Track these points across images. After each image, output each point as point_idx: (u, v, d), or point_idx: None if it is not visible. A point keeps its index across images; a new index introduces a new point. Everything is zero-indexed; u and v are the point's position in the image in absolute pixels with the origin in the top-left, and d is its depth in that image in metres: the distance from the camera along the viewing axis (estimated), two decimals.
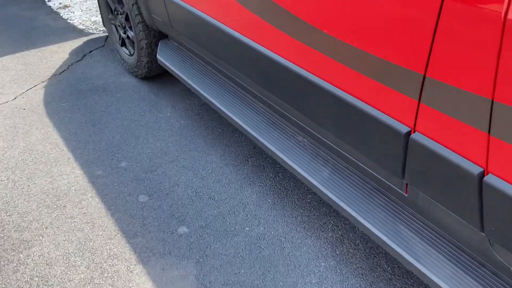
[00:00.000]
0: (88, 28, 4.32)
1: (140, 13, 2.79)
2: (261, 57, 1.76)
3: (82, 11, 4.77)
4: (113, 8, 3.16)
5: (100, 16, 4.37)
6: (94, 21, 4.49)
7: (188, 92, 3.12)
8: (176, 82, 3.24)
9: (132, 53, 3.17)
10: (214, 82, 2.39)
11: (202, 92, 2.35)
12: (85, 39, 4.05)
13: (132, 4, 2.79)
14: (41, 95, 3.12)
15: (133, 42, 3.17)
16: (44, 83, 3.28)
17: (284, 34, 1.60)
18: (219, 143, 2.60)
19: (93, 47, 3.85)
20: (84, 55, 3.71)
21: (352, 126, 1.48)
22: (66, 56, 3.71)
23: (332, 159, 1.80)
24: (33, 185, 2.30)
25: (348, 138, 1.54)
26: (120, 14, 3.10)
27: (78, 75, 3.39)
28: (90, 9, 4.82)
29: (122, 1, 3.01)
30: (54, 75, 3.41)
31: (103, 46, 3.88)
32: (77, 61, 3.61)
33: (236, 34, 1.86)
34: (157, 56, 2.68)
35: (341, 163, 1.77)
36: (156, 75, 3.26)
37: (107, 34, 4.12)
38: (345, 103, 1.44)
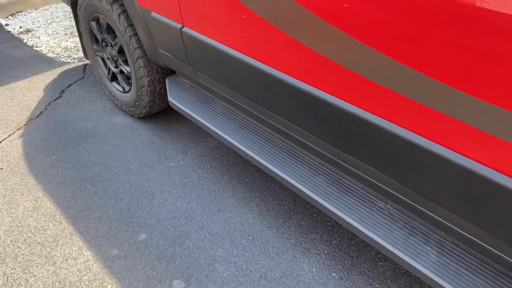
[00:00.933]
0: (60, 56, 3.78)
1: (140, 47, 2.34)
2: (323, 103, 1.39)
3: (48, 35, 4.20)
4: (99, 38, 2.68)
5: (71, 41, 3.84)
6: (65, 47, 3.94)
7: (198, 133, 2.69)
8: (181, 121, 2.80)
9: (127, 90, 2.70)
10: (240, 126, 1.99)
11: (229, 139, 1.94)
12: (59, 70, 3.51)
13: (130, 36, 2.33)
14: (20, 148, 2.59)
15: (128, 78, 2.70)
16: (21, 131, 2.75)
17: (358, 76, 1.23)
18: (251, 196, 2.19)
19: (71, 80, 3.32)
20: (63, 91, 3.19)
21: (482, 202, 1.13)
22: (41, 93, 3.17)
23: (422, 227, 1.45)
24: (33, 279, 1.81)
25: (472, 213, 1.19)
26: (111, 46, 2.62)
27: (60, 117, 2.87)
28: (57, 33, 4.26)
29: (115, 32, 2.54)
30: (30, 119, 2.87)
31: (83, 78, 3.36)
32: (55, 99, 3.08)
33: (291, 80, 1.48)
34: (169, 99, 2.23)
35: (426, 226, 1.43)
36: (155, 113, 2.81)
37: (84, 63, 3.60)
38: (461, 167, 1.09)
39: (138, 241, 1.96)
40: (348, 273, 1.80)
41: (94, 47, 2.82)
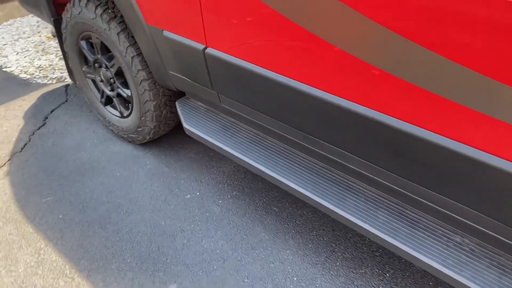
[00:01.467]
0: (35, 77, 3.42)
1: (145, 68, 2.08)
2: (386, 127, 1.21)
3: (17, 53, 3.82)
4: (91, 59, 2.39)
5: (44, 59, 3.51)
6: (39, 66, 3.59)
7: (209, 157, 2.45)
8: (186, 144, 2.55)
9: (126, 114, 2.42)
10: (275, 154, 1.78)
11: (268, 171, 1.73)
12: (37, 93, 3.17)
13: (133, 57, 2.06)
14: (8, 189, 2.27)
15: (127, 102, 2.43)
16: (5, 168, 2.42)
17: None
18: (284, 228, 1.99)
19: (53, 105, 3.00)
20: (46, 118, 2.86)
21: None
22: (20, 121, 2.83)
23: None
24: None
25: None
26: (106, 67, 2.34)
27: (48, 149, 2.56)
28: (27, 50, 3.89)
29: (110, 52, 2.26)
30: (14, 153, 2.54)
31: (66, 101, 3.04)
32: (39, 128, 2.76)
33: (363, 110, 1.28)
34: (185, 126, 1.99)
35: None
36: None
37: (65, 83, 3.27)
38: None
39: None
40: None
41: (83, 69, 2.52)
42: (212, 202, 2.14)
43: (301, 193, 1.60)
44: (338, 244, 1.90)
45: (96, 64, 2.40)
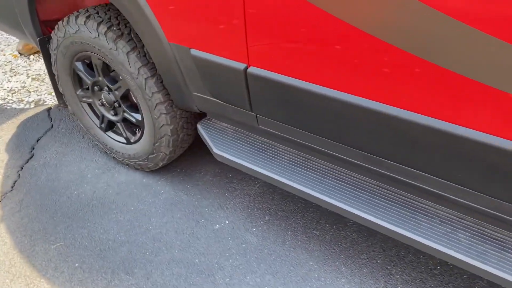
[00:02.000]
0: (8, 102, 3.08)
1: (162, 90, 1.86)
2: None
3: None
4: (89, 81, 2.14)
5: (15, 80, 3.19)
6: (10, 89, 3.24)
7: (227, 178, 2.26)
8: (199, 166, 2.35)
9: (133, 140, 2.19)
10: (318, 173, 1.63)
11: (311, 192, 1.58)
12: (15, 121, 2.84)
13: (147, 79, 1.84)
14: (7, 237, 1.98)
15: (134, 126, 2.20)
16: None
17: None
18: (331, 254, 1.84)
19: (38, 133, 2.69)
20: (33, 148, 2.56)
21: None
22: (3, 155, 2.51)
23: None
24: None
25: None
26: (109, 90, 2.10)
27: (44, 184, 2.27)
28: None
29: (115, 71, 2.02)
30: (4, 193, 2.24)
31: (52, 127, 2.74)
32: (27, 161, 2.46)
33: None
34: (216, 151, 1.79)
35: None
36: None
37: (46, 106, 2.96)
38: None
39: None
40: None
41: (78, 93, 2.26)
42: (245, 231, 1.96)
43: (371, 221, 1.45)
44: (394, 266, 1.78)
45: (95, 87, 2.15)
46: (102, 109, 2.22)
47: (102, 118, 2.26)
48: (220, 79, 1.60)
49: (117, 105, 2.12)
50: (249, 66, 1.49)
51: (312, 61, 1.33)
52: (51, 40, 2.15)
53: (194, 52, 1.60)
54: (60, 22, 2.03)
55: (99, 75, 2.07)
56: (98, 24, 1.87)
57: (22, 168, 2.40)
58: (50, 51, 2.19)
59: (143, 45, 1.86)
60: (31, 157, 2.49)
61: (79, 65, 2.12)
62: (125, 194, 2.19)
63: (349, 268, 1.77)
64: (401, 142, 1.30)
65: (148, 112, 1.95)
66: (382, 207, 1.50)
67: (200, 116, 2.04)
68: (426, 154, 1.27)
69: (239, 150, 1.78)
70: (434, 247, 1.36)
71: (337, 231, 1.94)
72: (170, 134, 1.98)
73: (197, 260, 1.83)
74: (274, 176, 1.65)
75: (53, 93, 3.17)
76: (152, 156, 2.12)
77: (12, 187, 2.28)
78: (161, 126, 1.96)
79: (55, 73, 2.26)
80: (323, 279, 1.74)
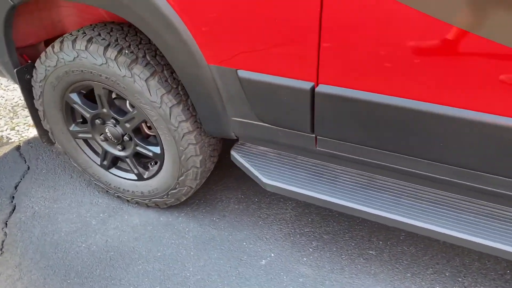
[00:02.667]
0: None
1: (190, 118, 1.62)
2: None
3: None
4: (88, 115, 1.82)
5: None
6: None
7: (257, 205, 2.04)
8: (218, 193, 2.11)
9: (146, 176, 1.90)
10: (389, 193, 1.50)
11: (387, 215, 1.43)
12: None
13: (172, 107, 1.58)
14: None
15: (146, 160, 1.92)
16: None
17: None
18: (395, 274, 1.70)
19: (13, 177, 2.30)
20: (12, 198, 2.17)
21: None
22: None
23: None
24: None
25: None
26: (115, 123, 1.80)
27: (40, 241, 1.92)
28: None
29: (128, 101, 1.74)
30: None
31: (29, 169, 2.35)
32: (11, 214, 2.08)
33: None
34: (265, 181, 1.57)
35: None
36: None
37: (14, 144, 2.55)
38: None
39: None
40: None
41: (71, 128, 1.93)
42: (297, 262, 1.77)
43: (470, 240, 1.33)
44: (464, 276, 1.68)
45: (96, 121, 1.84)
46: (105, 145, 1.91)
47: (104, 154, 1.94)
48: (275, 101, 1.40)
49: (127, 138, 1.83)
50: (317, 85, 1.30)
51: (396, 74, 1.17)
52: (34, 70, 1.80)
53: (243, 73, 1.38)
54: (49, 49, 1.70)
55: (103, 107, 1.77)
56: (105, 48, 1.58)
57: (6, 224, 2.02)
58: (33, 83, 1.84)
59: (163, 69, 1.60)
60: (14, 208, 2.10)
61: (74, 96, 1.80)
62: (145, 239, 1.90)
63: (420, 286, 1.65)
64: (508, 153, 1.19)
65: (172, 143, 1.69)
66: (471, 222, 1.38)
67: (228, 141, 1.81)
68: None
69: (291, 176, 1.59)
70: None
71: (393, 247, 1.81)
72: (198, 166, 1.74)
73: None
74: (341, 202, 1.48)
75: (17, 127, 2.75)
76: (174, 191, 1.86)
77: (1, 249, 1.90)
78: (189, 158, 1.70)
79: (40, 108, 1.91)
80: None
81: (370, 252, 1.80)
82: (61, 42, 1.66)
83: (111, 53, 1.57)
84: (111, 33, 1.63)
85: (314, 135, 1.45)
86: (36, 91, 1.85)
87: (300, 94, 1.33)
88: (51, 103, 1.85)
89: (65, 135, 1.96)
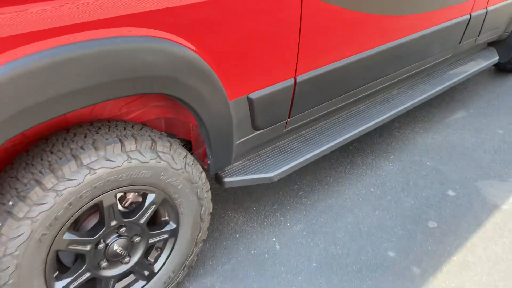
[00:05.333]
0: None
1: (202, 168, 1.71)
2: None
3: None
4: (90, 245, 1.47)
5: None
6: None
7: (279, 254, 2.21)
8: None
9: (159, 265, 1.73)
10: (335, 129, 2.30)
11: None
12: None
13: (192, 164, 1.64)
14: None
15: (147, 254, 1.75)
16: None
17: None
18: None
19: None
20: None
21: None
22: None
23: None
24: None
25: None
26: (120, 234, 1.55)
27: None
28: None
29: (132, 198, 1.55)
30: None
31: None
32: None
33: None
34: (272, 175, 1.89)
35: None
36: None
37: None
38: None
39: None
40: None
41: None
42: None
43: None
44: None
45: (100, 246, 1.50)
46: (105, 272, 1.57)
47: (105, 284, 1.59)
48: (271, 105, 1.82)
49: (138, 238, 1.61)
50: (296, 77, 1.85)
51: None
52: None
53: (252, 95, 1.71)
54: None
55: (113, 218, 1.49)
56: (122, 145, 1.41)
57: None
58: None
59: (163, 135, 1.60)
60: None
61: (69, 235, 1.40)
62: None
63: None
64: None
65: (194, 202, 1.69)
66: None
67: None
68: None
69: (280, 160, 2.02)
70: None
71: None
72: (211, 210, 1.83)
73: None
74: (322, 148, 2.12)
75: None
76: (190, 258, 1.82)
77: None
78: (207, 207, 1.78)
79: None
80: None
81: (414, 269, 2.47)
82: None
83: (129, 146, 1.43)
84: (111, 130, 1.44)
85: (287, 120, 1.97)
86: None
87: (287, 89, 1.83)
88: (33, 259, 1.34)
89: None
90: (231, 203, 2.40)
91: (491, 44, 3.59)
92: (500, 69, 3.99)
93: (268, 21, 1.60)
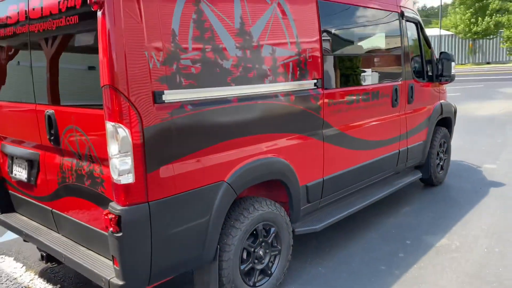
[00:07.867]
0: None
1: None
2: None
3: None
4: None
5: None
6: None
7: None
8: None
9: (272, 270, 3.51)
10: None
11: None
12: None
13: (282, 209, 3.59)
14: None
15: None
16: None
17: None
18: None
19: None
20: None
21: None
22: None
23: None
24: None
25: None
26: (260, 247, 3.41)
27: None
28: None
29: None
30: None
31: None
32: None
33: None
34: (319, 226, 3.84)
35: None
36: None
37: None
38: None
39: None
40: None
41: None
42: None
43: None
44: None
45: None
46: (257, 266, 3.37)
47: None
48: (315, 190, 3.87)
49: (267, 250, 3.42)
50: (324, 177, 3.95)
51: None
52: None
53: (308, 184, 3.77)
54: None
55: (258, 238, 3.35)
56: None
57: None
58: None
59: None
60: None
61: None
62: None
63: None
64: None
65: (287, 235, 3.55)
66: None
67: None
68: None
69: (319, 220, 3.96)
70: None
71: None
72: (292, 243, 3.68)
73: None
74: (341, 215, 4.08)
75: None
76: (285, 269, 3.60)
77: None
78: (291, 239, 3.64)
79: None
80: None
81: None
82: None
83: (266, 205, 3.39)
84: (259, 200, 3.42)
85: (319, 200, 3.99)
86: None
87: (320, 182, 3.91)
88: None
89: None
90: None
91: (417, 167, 5.89)
92: (425, 183, 6.26)
93: (314, 154, 3.77)
